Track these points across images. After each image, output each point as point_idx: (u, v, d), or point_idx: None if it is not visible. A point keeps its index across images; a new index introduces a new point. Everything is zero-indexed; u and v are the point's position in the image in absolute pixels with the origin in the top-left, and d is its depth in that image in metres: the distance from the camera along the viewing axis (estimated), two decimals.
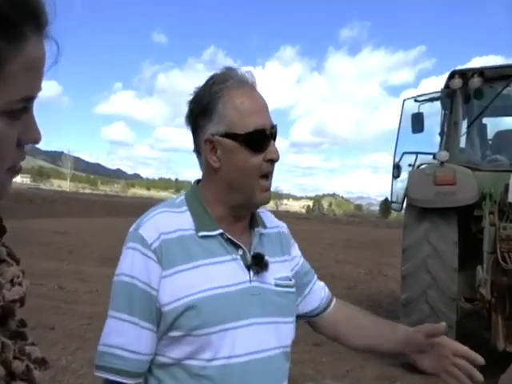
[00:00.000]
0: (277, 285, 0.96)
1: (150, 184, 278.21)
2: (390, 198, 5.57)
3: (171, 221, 0.92)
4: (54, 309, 5.10)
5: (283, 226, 1.12)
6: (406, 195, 4.34)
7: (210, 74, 0.97)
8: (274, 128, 0.94)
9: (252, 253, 0.95)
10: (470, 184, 3.83)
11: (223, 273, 0.90)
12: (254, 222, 1.01)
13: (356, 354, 4.37)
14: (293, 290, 1.01)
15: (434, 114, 5.47)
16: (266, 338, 0.91)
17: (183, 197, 0.99)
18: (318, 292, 1.12)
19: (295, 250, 1.11)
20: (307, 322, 1.14)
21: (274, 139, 0.95)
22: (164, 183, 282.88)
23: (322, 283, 1.15)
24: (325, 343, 4.58)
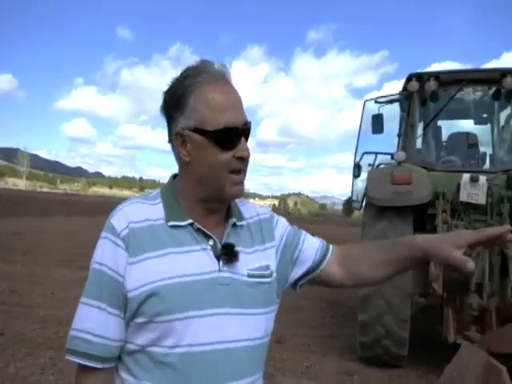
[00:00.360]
0: (250, 275, 0.95)
1: (112, 182, 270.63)
2: (350, 197, 5.71)
3: (143, 211, 0.94)
4: (4, 313, 4.86)
5: (264, 213, 1.09)
6: (365, 194, 4.45)
7: (176, 71, 0.96)
8: (246, 125, 0.93)
9: (222, 243, 0.95)
10: (425, 183, 3.97)
11: (191, 262, 0.90)
12: (229, 213, 1.00)
13: (316, 350, 4.45)
14: (268, 280, 0.98)
15: (395, 115, 5.66)
16: (233, 328, 0.90)
17: (159, 190, 1.01)
18: (311, 246, 1.09)
19: (280, 230, 1.08)
20: (319, 282, 1.10)
21: (247, 136, 0.94)
22: (127, 182, 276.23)
23: (314, 238, 1.13)
24: (287, 340, 4.64)
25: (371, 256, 1.04)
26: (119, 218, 0.92)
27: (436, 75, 4.49)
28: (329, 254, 1.08)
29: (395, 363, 4.01)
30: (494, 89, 4.58)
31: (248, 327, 0.92)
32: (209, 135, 0.89)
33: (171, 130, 0.96)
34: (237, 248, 0.95)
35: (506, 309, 3.49)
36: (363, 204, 4.74)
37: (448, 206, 3.97)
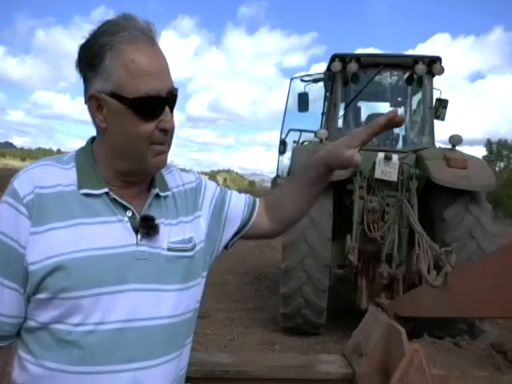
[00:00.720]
0: (170, 249, 0.88)
1: (25, 154, 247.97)
2: (276, 173, 5.82)
3: (52, 175, 0.84)
4: None
5: (191, 181, 1.02)
6: (289, 170, 4.56)
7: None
8: (172, 93, 0.84)
9: (142, 215, 0.87)
10: None
11: (105, 234, 0.83)
12: (152, 183, 0.92)
13: (240, 323, 4.56)
14: (190, 253, 0.92)
15: (322, 95, 5.83)
16: (149, 305, 0.84)
17: (73, 153, 0.91)
18: (238, 204, 1.07)
19: (208, 196, 1.03)
20: (251, 236, 1.10)
21: (172, 106, 0.86)
22: (43, 154, 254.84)
23: (241, 195, 1.11)
24: (211, 315, 4.68)
25: (289, 192, 1.06)
26: (23, 182, 0.82)
27: (357, 57, 4.67)
28: (256, 208, 1.08)
29: (314, 331, 4.26)
30: (407, 74, 4.89)
31: (166, 304, 0.87)
32: (127, 103, 0.79)
33: (86, 90, 0.85)
34: (158, 220, 0.88)
35: (411, 277, 3.83)
36: None
37: (365, 183, 4.21)
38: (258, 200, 1.10)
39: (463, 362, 1.13)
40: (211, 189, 1.05)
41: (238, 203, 1.07)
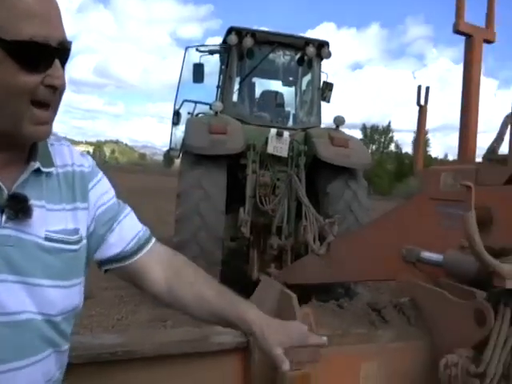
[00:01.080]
0: (48, 238, 0.75)
1: None
2: (169, 145, 5.64)
3: None
4: None
5: (82, 165, 0.86)
6: (183, 142, 4.45)
7: None
8: (64, 45, 0.72)
9: (12, 192, 0.72)
10: (239, 135, 4.21)
11: None
12: (32, 154, 0.76)
13: (130, 301, 4.38)
14: (75, 247, 0.79)
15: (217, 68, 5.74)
16: (16, 300, 0.71)
17: None
18: (128, 230, 0.91)
19: (98, 194, 0.87)
20: (130, 278, 0.93)
21: (63, 61, 0.72)
22: None
23: (137, 223, 0.94)
24: (96, 295, 4.40)
25: (201, 291, 0.93)
26: None
27: (253, 33, 4.71)
28: (147, 248, 0.92)
29: None
30: (299, 55, 5.08)
31: (37, 300, 0.74)
32: (6, 46, 0.66)
33: None
34: (35, 202, 0.74)
35: (298, 247, 4.10)
36: (181, 152, 4.76)
37: (257, 158, 4.32)
38: (153, 240, 0.95)
39: (345, 322, 1.24)
40: (105, 190, 0.90)
41: (128, 228, 0.91)
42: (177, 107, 5.43)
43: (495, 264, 1.07)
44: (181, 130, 5.34)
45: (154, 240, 0.95)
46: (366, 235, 2.08)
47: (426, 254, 1.46)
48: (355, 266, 2.03)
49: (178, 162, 5.34)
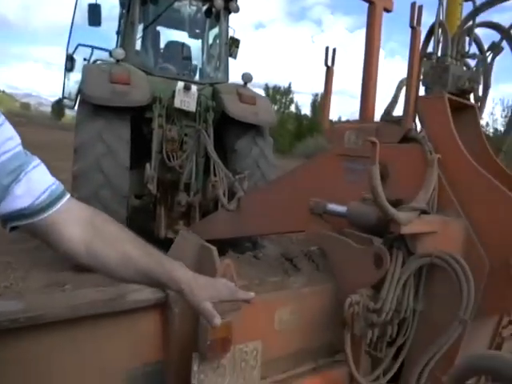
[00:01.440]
0: None
1: None
2: (62, 94, 5.07)
3: None
4: None
5: None
6: (79, 91, 4.03)
7: None
8: None
9: None
10: (144, 86, 3.94)
11: None
12: None
13: (19, 267, 3.98)
14: None
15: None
16: None
17: None
18: (37, 182, 0.79)
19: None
20: (42, 236, 0.82)
21: None
22: None
23: (48, 176, 0.82)
24: None
25: (127, 250, 0.88)
26: None
27: None
28: (60, 203, 0.82)
29: None
30: (206, 6, 4.84)
31: None
32: None
33: None
34: None
35: (207, 204, 4.10)
36: (77, 102, 4.31)
37: (164, 111, 4.12)
38: (68, 196, 0.85)
39: (261, 272, 1.30)
40: (11, 137, 0.79)
41: (37, 180, 0.80)
42: (70, 52, 4.86)
43: (394, 213, 1.20)
44: (75, 77, 4.83)
45: (68, 195, 0.85)
46: (276, 190, 2.15)
47: (332, 206, 1.57)
48: (266, 220, 2.10)
49: (69, 113, 4.85)
